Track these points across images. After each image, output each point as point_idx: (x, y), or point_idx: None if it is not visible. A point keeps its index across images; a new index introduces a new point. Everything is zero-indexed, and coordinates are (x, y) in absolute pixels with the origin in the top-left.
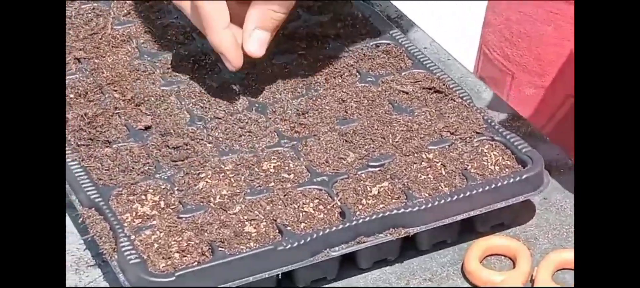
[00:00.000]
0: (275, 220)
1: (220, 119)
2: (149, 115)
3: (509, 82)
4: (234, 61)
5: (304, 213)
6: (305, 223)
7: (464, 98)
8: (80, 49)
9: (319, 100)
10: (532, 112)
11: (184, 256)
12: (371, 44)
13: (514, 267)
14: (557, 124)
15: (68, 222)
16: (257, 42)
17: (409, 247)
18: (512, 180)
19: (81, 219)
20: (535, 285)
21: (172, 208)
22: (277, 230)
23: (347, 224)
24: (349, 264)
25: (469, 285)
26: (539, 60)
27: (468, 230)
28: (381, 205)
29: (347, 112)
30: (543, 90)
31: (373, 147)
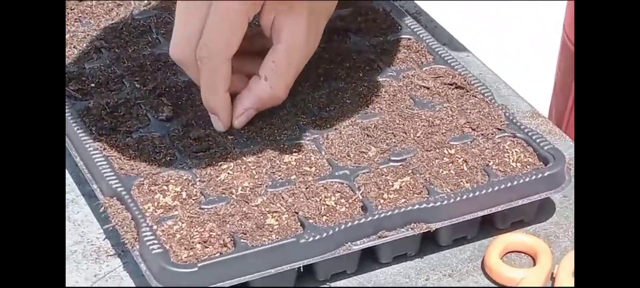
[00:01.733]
0: (297, 213)
1: None
2: (170, 105)
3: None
4: (226, 123)
5: (325, 206)
6: (327, 216)
7: (485, 94)
8: (101, 39)
9: (340, 94)
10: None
11: (206, 247)
12: (392, 38)
13: (534, 265)
14: None
15: (88, 211)
16: (245, 120)
17: (429, 242)
18: (533, 177)
19: (102, 208)
20: (556, 283)
21: (193, 199)
22: (298, 223)
23: (369, 218)
24: (369, 258)
25: (489, 282)
26: None
27: (488, 226)
28: (403, 200)
29: (368, 107)
30: None
31: (394, 142)
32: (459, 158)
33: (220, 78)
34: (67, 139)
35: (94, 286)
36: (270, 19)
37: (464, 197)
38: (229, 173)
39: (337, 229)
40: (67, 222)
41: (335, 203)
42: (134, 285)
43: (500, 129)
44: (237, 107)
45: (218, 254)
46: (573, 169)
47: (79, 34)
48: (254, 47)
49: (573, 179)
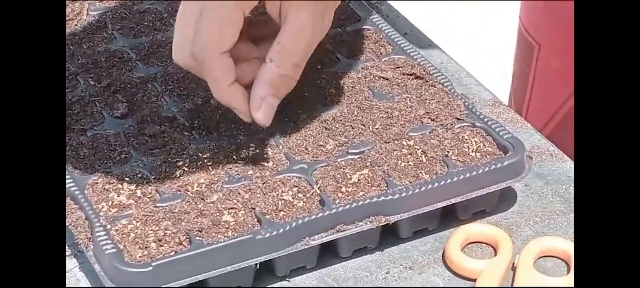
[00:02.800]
0: (254, 209)
1: (198, 106)
2: (125, 102)
3: (536, 54)
4: (246, 113)
5: (283, 201)
6: (284, 211)
7: (445, 84)
8: None
9: (297, 86)
10: (556, 86)
11: (161, 245)
12: (351, 29)
13: (495, 255)
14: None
15: None
16: (269, 111)
17: (389, 235)
18: (493, 167)
19: None
20: (516, 274)
21: (148, 198)
22: (255, 219)
23: (327, 212)
24: (329, 253)
25: (450, 274)
26: (569, 33)
27: (449, 217)
28: (361, 193)
29: (326, 99)
30: (569, 64)
31: (353, 134)
32: (418, 150)
33: (220, 73)
34: None
35: None
36: (277, 6)
37: (423, 188)
38: (184, 170)
39: (294, 224)
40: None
41: (293, 198)
42: (89, 286)
43: (459, 119)
44: (253, 98)
45: (173, 253)
46: (532, 158)
47: None
48: (267, 32)
49: (533, 167)
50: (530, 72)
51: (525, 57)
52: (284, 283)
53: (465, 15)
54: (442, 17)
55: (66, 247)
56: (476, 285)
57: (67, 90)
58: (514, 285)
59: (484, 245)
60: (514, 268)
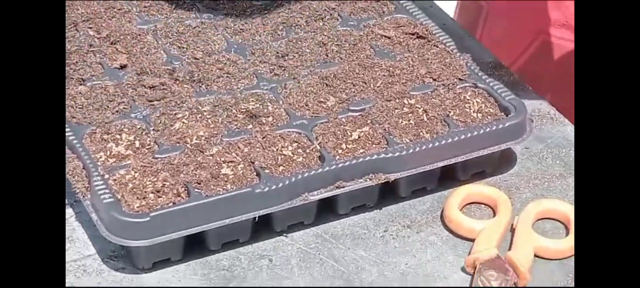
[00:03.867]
0: (253, 163)
1: (197, 59)
2: (124, 53)
3: (485, 15)
4: None
5: (282, 156)
6: (284, 166)
7: (447, 44)
8: None
9: (299, 43)
10: (505, 47)
11: (159, 196)
12: None
13: (494, 216)
14: (528, 59)
15: None
16: None
17: (388, 194)
18: (494, 127)
19: None
20: (515, 235)
21: (147, 148)
22: (254, 173)
23: (327, 168)
24: (327, 209)
25: (449, 233)
26: None
27: (448, 178)
28: (361, 150)
29: (327, 56)
30: (517, 24)
31: (354, 92)
32: (419, 109)
33: None
34: None
35: None
36: None
37: (424, 147)
38: (183, 122)
39: (293, 179)
40: None
41: (293, 153)
42: (86, 235)
43: (461, 79)
44: None
45: (171, 204)
46: (533, 121)
47: None
48: None
49: (534, 130)
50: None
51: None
52: (282, 238)
53: None
54: None
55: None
56: (474, 246)
57: (66, 40)
58: (513, 246)
59: (482, 206)
60: (512, 230)
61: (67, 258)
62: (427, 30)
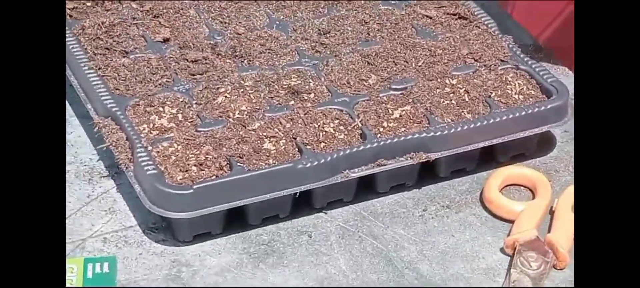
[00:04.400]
0: (295, 138)
1: (240, 35)
2: (167, 27)
3: None
4: None
5: (324, 132)
6: (325, 143)
7: (489, 26)
8: None
9: (340, 20)
10: (534, 17)
11: (202, 169)
12: None
13: (533, 198)
14: (555, 30)
15: (81, 132)
16: None
17: (427, 173)
18: (536, 109)
19: (96, 128)
20: (555, 217)
21: (190, 122)
22: (296, 149)
23: (368, 146)
24: (366, 187)
25: (488, 214)
26: None
27: (487, 159)
28: (402, 129)
29: (369, 34)
30: None
31: (395, 71)
32: (461, 89)
33: None
34: None
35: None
36: None
37: (465, 127)
38: (226, 96)
39: (335, 156)
40: None
41: (334, 130)
42: (127, 207)
43: (503, 61)
44: None
45: (214, 177)
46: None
47: None
48: None
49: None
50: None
51: None
52: (321, 214)
53: None
54: None
55: (104, 168)
56: (514, 227)
57: (108, 12)
58: (552, 228)
59: (521, 188)
60: (552, 212)
61: (109, 229)
62: (468, 11)
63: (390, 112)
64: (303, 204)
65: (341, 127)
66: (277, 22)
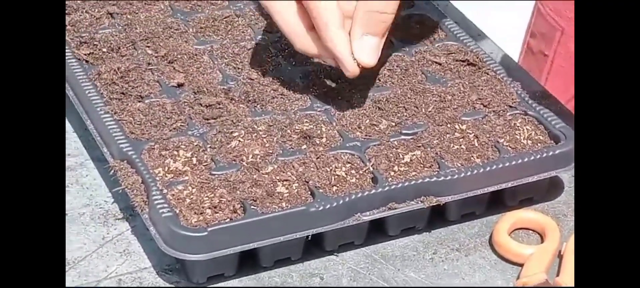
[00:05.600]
0: (307, 182)
1: (253, 80)
2: (181, 72)
3: (558, 37)
4: (350, 67)
5: (336, 176)
6: (337, 186)
7: (498, 72)
8: (113, 5)
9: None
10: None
11: (216, 212)
12: (405, 14)
13: (542, 242)
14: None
15: (96, 175)
16: (368, 49)
17: (437, 217)
18: (544, 154)
19: (112, 172)
20: (563, 261)
21: (204, 165)
22: (309, 192)
23: (379, 189)
24: (377, 230)
25: (497, 258)
26: None
27: (496, 203)
28: (413, 173)
29: (379, 80)
30: None
31: (406, 116)
32: (470, 134)
33: (329, 11)
34: (77, 103)
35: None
36: None
37: (475, 172)
38: (239, 140)
39: (347, 199)
40: (75, 185)
41: (346, 174)
42: (141, 249)
43: (511, 106)
44: (352, 40)
45: (228, 220)
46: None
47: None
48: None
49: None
50: (549, 55)
51: (546, 39)
52: (332, 257)
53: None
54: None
55: (119, 211)
56: (523, 270)
57: (124, 58)
58: (561, 272)
59: (530, 232)
60: (560, 256)
61: (123, 271)
62: (477, 58)
63: (401, 156)
64: (315, 247)
65: (353, 171)
66: (289, 68)
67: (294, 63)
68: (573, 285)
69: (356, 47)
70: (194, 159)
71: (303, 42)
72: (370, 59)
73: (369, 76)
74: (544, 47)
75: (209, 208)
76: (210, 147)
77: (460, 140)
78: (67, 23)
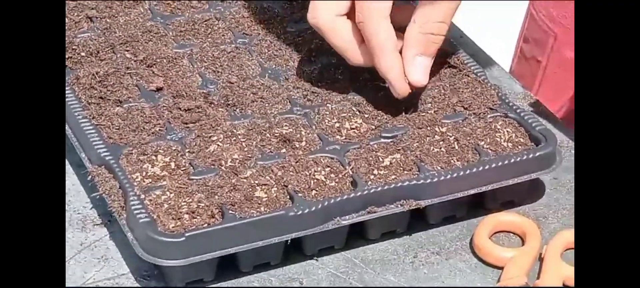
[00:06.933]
0: (286, 186)
1: (232, 83)
2: (160, 76)
3: (552, 43)
4: (402, 90)
5: (315, 180)
6: (317, 190)
7: (478, 74)
8: (93, 8)
9: (332, 69)
10: (570, 76)
11: (194, 217)
12: None
13: (522, 245)
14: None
15: (75, 180)
16: (421, 69)
17: (417, 220)
18: (525, 157)
19: (90, 177)
20: (544, 264)
21: (182, 170)
22: (287, 196)
23: (359, 193)
24: (357, 234)
25: (478, 261)
26: None
27: (477, 206)
28: (393, 176)
29: (359, 83)
30: None
31: (386, 119)
32: (450, 137)
33: (386, 36)
34: None
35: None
36: None
37: (455, 175)
38: (218, 145)
39: (326, 203)
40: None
41: (325, 178)
42: (120, 254)
43: (492, 109)
44: (405, 60)
45: (206, 225)
46: (562, 151)
47: (70, 2)
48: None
49: (563, 161)
50: (542, 61)
51: (539, 44)
52: (312, 262)
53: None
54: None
55: (97, 216)
56: (503, 273)
57: (103, 62)
58: (541, 275)
59: (511, 234)
60: (541, 259)
61: (101, 276)
62: (458, 60)
63: (381, 160)
64: (294, 251)
65: (332, 175)
66: (269, 71)
67: (274, 66)
68: (552, 286)
69: (410, 68)
70: (173, 164)
71: (358, 57)
72: (424, 79)
73: (348, 79)
74: (537, 52)
75: (187, 213)
76: (188, 151)
77: (440, 143)
78: None
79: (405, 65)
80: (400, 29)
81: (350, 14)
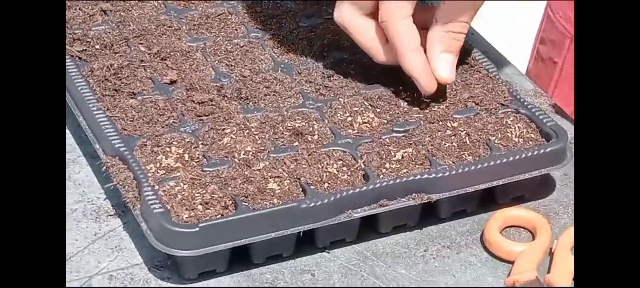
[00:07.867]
0: (299, 179)
1: (245, 77)
2: (174, 69)
3: (568, 44)
4: (428, 86)
5: (327, 173)
6: (329, 183)
7: (490, 70)
8: (107, 2)
9: (344, 64)
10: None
11: (207, 208)
12: None
13: (533, 240)
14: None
15: (89, 171)
16: (447, 66)
17: (428, 214)
18: (535, 152)
19: (104, 168)
20: (554, 259)
21: (196, 162)
22: (300, 189)
23: (371, 186)
24: (369, 227)
25: (488, 255)
26: None
27: (488, 201)
28: (404, 170)
29: (372, 78)
30: None
31: (397, 113)
32: (462, 132)
33: (408, 34)
34: (70, 99)
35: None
36: None
37: (466, 169)
38: (231, 137)
39: (338, 196)
40: (68, 182)
41: (337, 171)
42: (133, 244)
43: (503, 105)
44: (429, 58)
45: (219, 216)
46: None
47: None
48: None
49: (574, 158)
50: (558, 62)
51: (555, 45)
52: (324, 254)
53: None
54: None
55: (111, 207)
56: (514, 267)
57: (117, 55)
58: (551, 269)
59: (521, 229)
60: (551, 254)
61: (115, 267)
62: (470, 56)
63: (393, 153)
64: (306, 243)
65: (344, 168)
66: (282, 66)
67: (287, 61)
68: (563, 283)
69: (436, 65)
70: (186, 156)
71: (382, 55)
72: (450, 75)
73: (361, 74)
74: (554, 54)
75: (201, 204)
76: (202, 143)
77: (452, 137)
78: None
79: (432, 62)
80: (423, 30)
81: (375, 14)
